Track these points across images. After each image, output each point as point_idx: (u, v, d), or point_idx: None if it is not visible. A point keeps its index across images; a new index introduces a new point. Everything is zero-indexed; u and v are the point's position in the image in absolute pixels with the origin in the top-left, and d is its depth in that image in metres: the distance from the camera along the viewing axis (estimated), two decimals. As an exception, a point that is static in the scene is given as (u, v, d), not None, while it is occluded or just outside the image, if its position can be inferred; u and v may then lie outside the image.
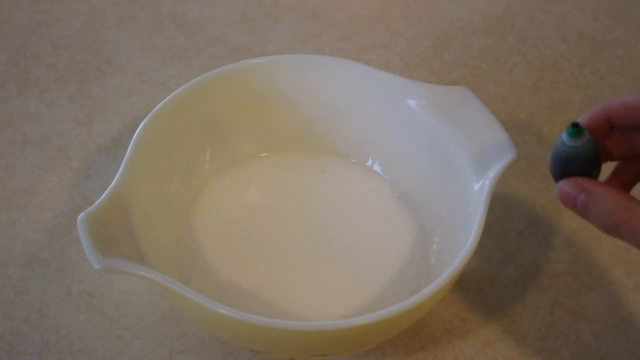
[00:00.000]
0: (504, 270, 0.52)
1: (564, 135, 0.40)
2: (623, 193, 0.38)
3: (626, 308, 0.50)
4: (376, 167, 0.54)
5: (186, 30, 0.67)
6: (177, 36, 0.66)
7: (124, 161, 0.46)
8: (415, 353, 0.48)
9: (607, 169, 0.43)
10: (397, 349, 0.48)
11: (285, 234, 0.51)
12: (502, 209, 0.55)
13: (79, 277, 0.51)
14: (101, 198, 0.44)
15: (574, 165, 0.40)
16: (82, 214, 0.42)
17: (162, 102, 0.50)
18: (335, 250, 0.50)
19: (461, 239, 0.45)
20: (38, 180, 0.56)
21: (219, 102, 0.52)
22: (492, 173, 0.46)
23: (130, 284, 0.50)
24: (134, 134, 0.48)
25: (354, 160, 0.55)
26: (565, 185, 0.39)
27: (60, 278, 0.51)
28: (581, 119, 0.41)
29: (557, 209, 0.55)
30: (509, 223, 0.54)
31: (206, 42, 0.66)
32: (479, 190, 0.46)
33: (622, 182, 0.42)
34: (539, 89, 0.62)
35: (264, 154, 0.55)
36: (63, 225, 0.53)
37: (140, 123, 0.49)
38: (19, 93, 0.62)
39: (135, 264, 0.42)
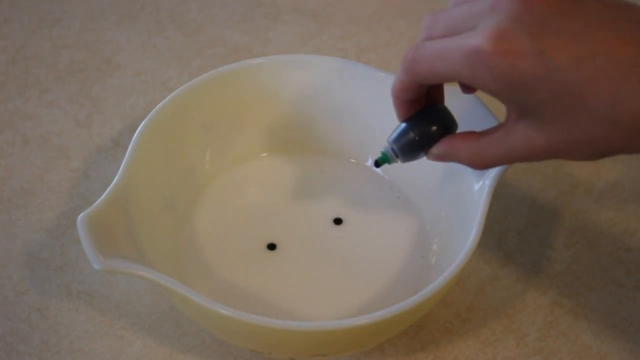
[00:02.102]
0: (504, 270, 0.52)
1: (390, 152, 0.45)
2: (465, 140, 0.42)
3: (626, 308, 0.50)
4: (376, 168, 0.54)
5: (186, 30, 0.67)
6: (177, 36, 0.66)
7: (124, 161, 0.46)
8: (415, 353, 0.48)
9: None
10: (397, 349, 0.48)
11: (285, 234, 0.51)
12: (502, 209, 0.55)
13: (79, 277, 0.51)
14: (101, 198, 0.44)
15: (426, 143, 0.44)
16: (82, 214, 0.42)
17: (162, 102, 0.50)
18: (335, 250, 0.50)
19: (461, 239, 0.45)
20: (38, 180, 0.56)
21: (219, 102, 0.52)
22: (492, 173, 0.46)
23: (130, 284, 0.50)
24: (133, 134, 0.48)
25: (354, 160, 0.55)
26: (429, 158, 0.45)
27: (60, 278, 0.51)
28: (399, 119, 0.45)
29: (557, 209, 0.55)
30: (509, 223, 0.54)
31: (206, 42, 0.66)
32: (479, 190, 0.46)
33: None
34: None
35: (264, 154, 0.55)
36: (63, 225, 0.53)
37: (140, 123, 0.49)
38: (19, 93, 0.62)
39: (135, 264, 0.42)
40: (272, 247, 0.50)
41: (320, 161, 0.55)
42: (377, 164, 0.46)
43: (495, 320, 0.49)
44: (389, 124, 0.53)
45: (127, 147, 0.47)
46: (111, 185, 0.45)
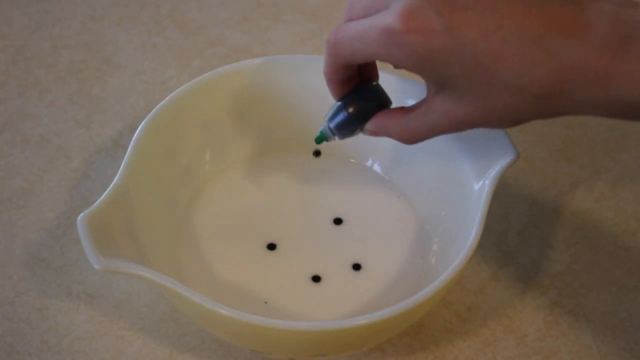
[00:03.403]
0: (504, 270, 0.52)
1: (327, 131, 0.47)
2: (393, 117, 0.44)
3: (626, 308, 0.50)
4: (376, 167, 0.54)
5: (186, 30, 0.67)
6: (177, 36, 0.66)
7: (123, 161, 0.46)
8: (415, 353, 0.48)
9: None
10: (397, 349, 0.48)
11: (285, 234, 0.51)
12: (502, 209, 0.55)
13: (79, 278, 0.51)
14: (101, 198, 0.44)
15: (359, 119, 0.46)
16: (82, 214, 0.42)
17: (162, 103, 0.50)
18: (335, 250, 0.50)
19: (461, 239, 0.45)
20: (38, 180, 0.56)
21: (219, 102, 0.52)
22: (492, 173, 0.46)
23: (130, 284, 0.50)
24: (133, 134, 0.48)
25: (354, 160, 0.55)
26: (365, 133, 0.46)
27: (60, 278, 0.51)
28: (334, 98, 0.46)
29: (557, 209, 0.55)
30: (509, 223, 0.54)
31: (206, 42, 0.66)
32: (479, 190, 0.46)
33: None
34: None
35: (264, 154, 0.55)
36: (63, 225, 0.53)
37: (140, 123, 0.49)
38: (19, 93, 0.62)
39: (135, 264, 0.42)
40: (272, 247, 0.50)
41: (320, 161, 0.55)
42: (317, 142, 0.48)
43: (495, 320, 0.49)
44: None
45: (127, 147, 0.47)
46: (111, 185, 0.45)
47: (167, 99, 0.50)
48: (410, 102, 0.51)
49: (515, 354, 0.48)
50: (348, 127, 0.46)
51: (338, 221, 0.52)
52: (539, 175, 0.57)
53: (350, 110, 0.45)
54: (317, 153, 0.53)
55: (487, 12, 0.37)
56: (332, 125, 0.46)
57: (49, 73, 0.63)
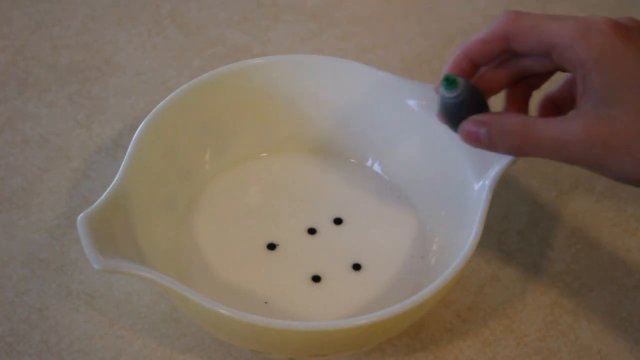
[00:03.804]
0: (504, 270, 0.52)
1: (442, 90, 0.42)
2: (518, 114, 0.41)
3: (626, 308, 0.50)
4: (376, 167, 0.54)
5: (186, 30, 0.67)
6: (177, 36, 0.66)
7: (123, 161, 0.46)
8: (415, 353, 0.48)
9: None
10: (397, 349, 0.48)
11: (285, 234, 0.51)
12: (502, 209, 0.55)
13: (79, 277, 0.51)
14: (101, 198, 0.44)
15: (463, 110, 0.42)
16: (82, 214, 0.42)
17: (162, 102, 0.50)
18: (335, 250, 0.50)
19: (461, 239, 0.45)
20: (38, 180, 0.56)
21: (219, 102, 0.52)
22: (492, 173, 0.46)
23: (130, 284, 0.50)
24: (133, 134, 0.48)
25: (354, 160, 0.55)
26: (466, 125, 0.41)
27: (60, 278, 0.51)
28: (446, 69, 0.43)
29: (557, 209, 0.55)
30: (509, 223, 0.54)
31: (206, 42, 0.66)
32: (479, 190, 0.46)
33: (516, 106, 0.45)
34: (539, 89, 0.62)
35: (264, 154, 0.55)
36: (63, 225, 0.53)
37: (140, 123, 0.49)
38: (19, 93, 0.62)
39: (135, 264, 0.42)
40: (272, 247, 0.50)
41: (320, 161, 0.55)
42: (447, 82, 0.42)
43: (495, 320, 0.49)
44: (388, 124, 0.53)
45: (127, 147, 0.47)
46: (111, 185, 0.45)
47: (167, 99, 0.50)
48: (411, 102, 0.51)
49: (515, 354, 0.48)
50: (454, 112, 0.42)
51: (338, 221, 0.52)
52: (539, 175, 0.57)
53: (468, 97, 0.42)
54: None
55: None
56: (448, 94, 0.42)
57: (49, 73, 0.63)
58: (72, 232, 0.53)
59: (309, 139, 0.55)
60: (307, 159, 0.55)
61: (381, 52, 0.65)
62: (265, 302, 0.48)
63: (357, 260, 0.50)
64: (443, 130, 0.49)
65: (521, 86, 0.45)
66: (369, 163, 0.54)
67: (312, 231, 0.51)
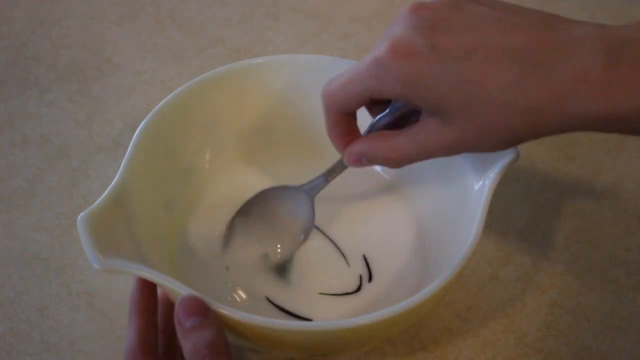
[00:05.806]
0: (504, 270, 0.52)
1: None
2: (382, 137, 0.44)
3: (626, 308, 0.50)
4: (376, 167, 0.54)
5: (186, 30, 0.67)
6: (177, 36, 0.66)
7: (123, 161, 0.46)
8: (415, 353, 0.48)
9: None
10: (397, 349, 0.48)
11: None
12: (502, 209, 0.55)
13: (79, 277, 0.51)
14: (101, 198, 0.44)
15: None
16: (82, 214, 0.42)
17: (162, 102, 0.50)
18: (335, 250, 0.50)
19: (461, 239, 0.45)
20: (38, 180, 0.56)
21: (219, 102, 0.52)
22: (492, 173, 0.46)
23: (130, 284, 0.50)
24: (133, 134, 0.48)
25: (354, 160, 0.55)
26: (346, 155, 0.46)
27: (60, 278, 0.51)
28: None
29: (557, 209, 0.55)
30: (509, 223, 0.54)
31: (206, 42, 0.66)
32: (479, 190, 0.46)
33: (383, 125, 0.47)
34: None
35: (263, 154, 0.55)
36: (63, 225, 0.53)
37: (140, 123, 0.49)
38: (19, 93, 0.62)
39: (135, 264, 0.42)
40: (272, 247, 0.50)
41: (320, 161, 0.55)
42: None
43: (495, 320, 0.49)
44: (389, 124, 0.53)
45: (127, 147, 0.47)
46: (111, 185, 0.45)
47: (167, 99, 0.50)
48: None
49: (515, 354, 0.48)
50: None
51: (338, 221, 0.52)
52: (539, 175, 0.57)
53: None
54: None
55: (468, 33, 0.39)
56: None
57: (49, 73, 0.63)
58: (72, 232, 0.53)
59: (309, 139, 0.55)
60: (307, 159, 0.55)
61: (381, 52, 0.65)
62: (266, 302, 0.48)
63: (357, 260, 0.50)
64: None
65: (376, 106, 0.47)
66: (369, 163, 0.54)
67: (312, 231, 0.51)
